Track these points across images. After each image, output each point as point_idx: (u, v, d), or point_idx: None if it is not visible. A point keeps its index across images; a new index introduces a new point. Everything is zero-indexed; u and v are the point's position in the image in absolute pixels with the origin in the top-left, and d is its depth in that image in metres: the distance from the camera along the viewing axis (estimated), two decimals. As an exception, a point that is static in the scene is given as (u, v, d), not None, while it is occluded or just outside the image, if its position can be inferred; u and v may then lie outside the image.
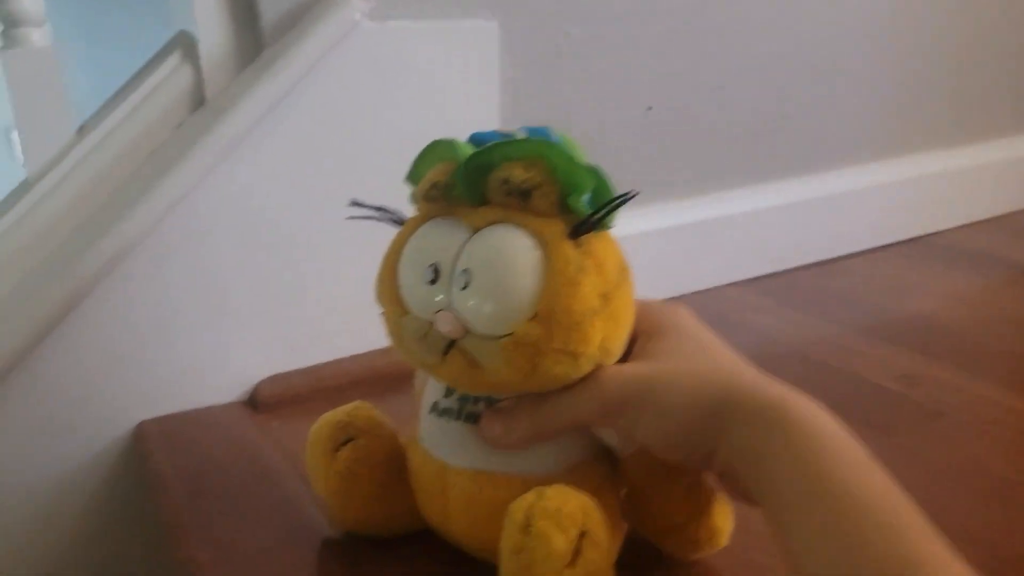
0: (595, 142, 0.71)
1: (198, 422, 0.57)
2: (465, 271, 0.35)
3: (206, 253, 0.56)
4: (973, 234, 1.00)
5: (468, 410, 0.38)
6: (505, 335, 0.34)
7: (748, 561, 0.40)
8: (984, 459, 0.51)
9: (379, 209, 0.39)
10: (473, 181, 0.36)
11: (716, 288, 0.81)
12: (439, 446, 0.39)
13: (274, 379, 0.60)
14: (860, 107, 0.93)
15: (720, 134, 0.82)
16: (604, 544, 0.34)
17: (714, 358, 0.37)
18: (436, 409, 0.39)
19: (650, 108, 0.76)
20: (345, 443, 0.41)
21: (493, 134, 0.37)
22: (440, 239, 0.36)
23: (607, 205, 0.35)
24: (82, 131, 0.57)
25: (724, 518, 0.40)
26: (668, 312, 0.40)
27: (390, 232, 0.40)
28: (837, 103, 0.90)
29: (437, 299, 0.36)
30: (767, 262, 0.86)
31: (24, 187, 0.56)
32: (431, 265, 0.36)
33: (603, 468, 0.39)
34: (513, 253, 0.35)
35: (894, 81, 0.95)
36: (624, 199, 0.34)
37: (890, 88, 0.94)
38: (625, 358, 0.38)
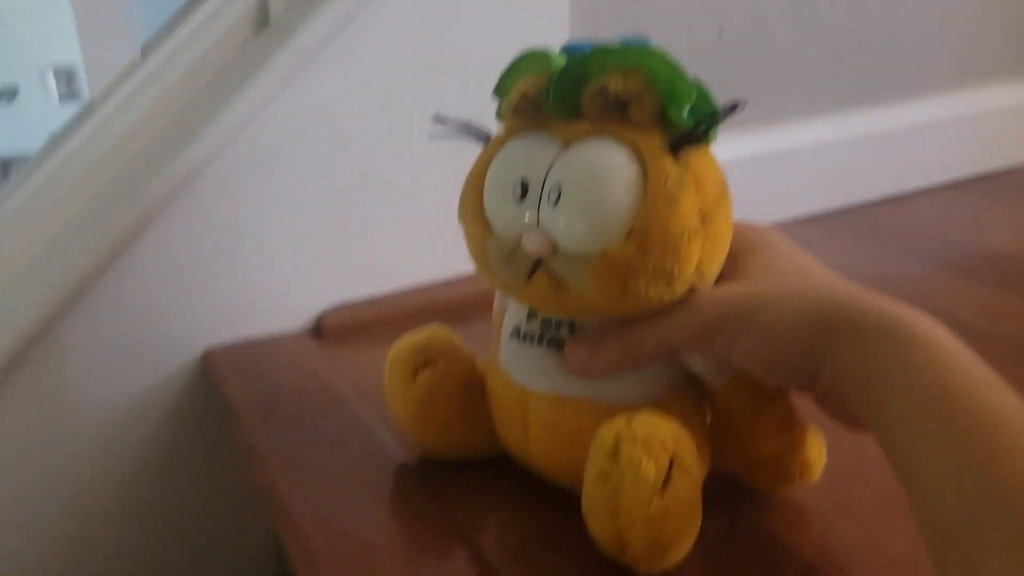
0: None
1: (265, 350, 0.57)
2: (556, 186, 0.33)
3: (272, 179, 0.55)
4: (1051, 170, 0.96)
5: (551, 335, 0.37)
6: (596, 254, 0.32)
7: (838, 495, 0.39)
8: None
9: (463, 125, 0.37)
10: (567, 92, 0.34)
11: (787, 222, 0.79)
12: (520, 371, 0.38)
13: (339, 309, 0.60)
14: (941, 33, 0.88)
15: (793, 62, 0.78)
16: (694, 473, 0.33)
17: (815, 274, 0.35)
18: (518, 334, 0.38)
19: (722, 33, 0.72)
20: (424, 366, 0.40)
21: (587, 45, 0.35)
22: (529, 154, 0.35)
23: (711, 117, 0.32)
24: (144, 52, 0.56)
25: (817, 452, 0.38)
26: (760, 232, 0.38)
27: (465, 154, 0.38)
28: (917, 28, 0.86)
29: (525, 217, 0.34)
30: (840, 195, 0.83)
31: (87, 110, 0.55)
32: (519, 180, 0.34)
33: (689, 399, 0.38)
34: (608, 167, 0.33)
35: (978, 6, 0.89)
36: (730, 111, 0.32)
37: (973, 14, 0.89)
38: (717, 280, 0.36)
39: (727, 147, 0.74)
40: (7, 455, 0.53)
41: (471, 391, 0.41)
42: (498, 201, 0.35)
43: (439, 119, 0.37)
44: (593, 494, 0.33)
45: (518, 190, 0.34)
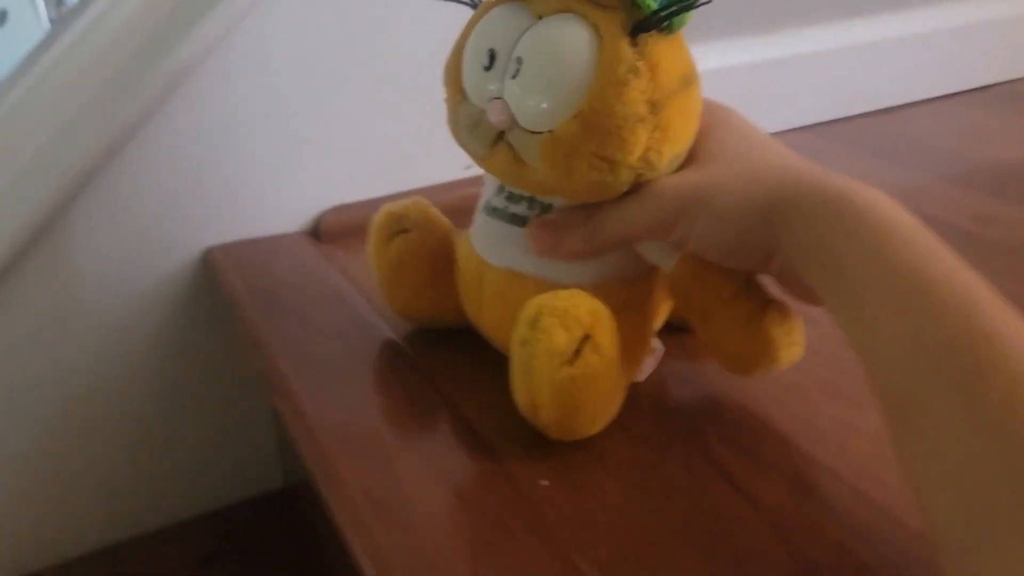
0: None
1: (265, 248, 0.58)
2: (518, 59, 0.33)
3: (269, 77, 0.55)
4: (1053, 83, 0.96)
5: (512, 211, 0.39)
6: (546, 131, 0.33)
7: (821, 375, 0.41)
8: (1061, 292, 0.50)
9: None
10: None
11: (783, 132, 0.79)
12: (482, 243, 0.40)
13: (337, 210, 0.61)
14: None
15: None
16: (607, 351, 0.34)
17: (769, 154, 0.36)
18: (487, 207, 0.40)
19: (722, -65, 0.71)
20: (397, 233, 0.43)
21: None
22: (502, 24, 0.35)
23: (677, 4, 0.32)
24: (136, -53, 0.55)
25: (788, 342, 0.38)
26: (717, 111, 0.38)
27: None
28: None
29: (490, 86, 0.35)
30: (836, 106, 0.83)
31: (81, 7, 0.55)
32: (489, 50, 0.34)
33: (636, 289, 0.39)
34: (563, 45, 0.33)
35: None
36: (693, 2, 0.32)
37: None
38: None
39: (727, 54, 0.74)
40: (14, 352, 0.54)
41: (440, 261, 0.43)
42: (470, 68, 0.36)
43: None
44: (515, 358, 0.35)
45: (486, 60, 0.34)
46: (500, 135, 0.35)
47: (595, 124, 0.32)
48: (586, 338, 0.33)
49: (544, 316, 0.33)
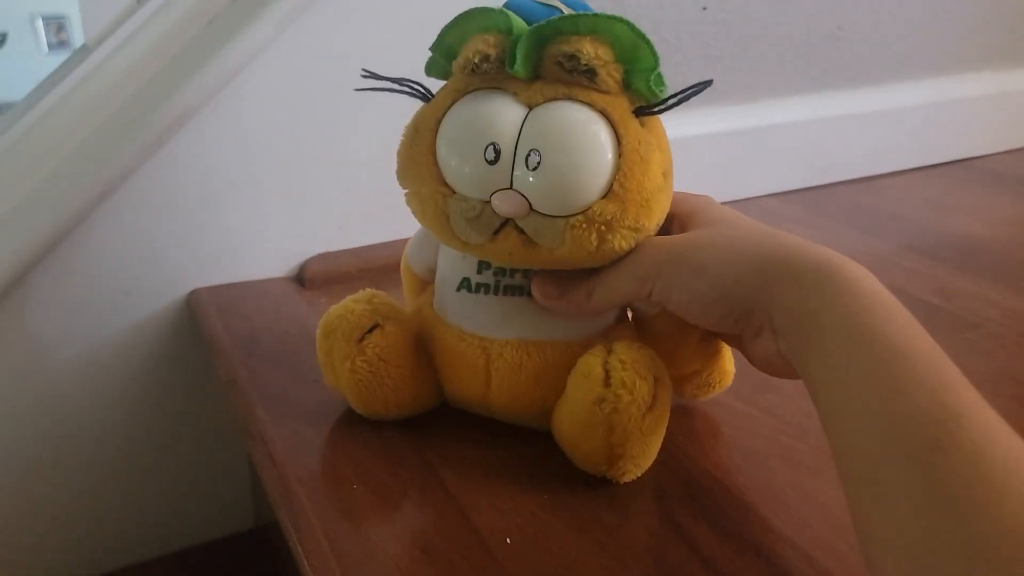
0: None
1: (249, 292, 0.59)
2: (535, 152, 0.34)
3: (262, 127, 0.57)
4: (1019, 160, 0.99)
5: (505, 283, 0.39)
6: (573, 214, 0.35)
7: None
8: (1018, 369, 0.52)
9: (398, 81, 0.37)
10: (532, 54, 0.35)
11: (757, 197, 0.81)
12: (476, 322, 0.39)
13: (323, 257, 0.62)
14: (915, 23, 0.90)
15: (773, 41, 0.80)
16: (670, 385, 0.37)
17: (752, 225, 0.38)
18: (468, 286, 0.39)
19: (705, 8, 0.74)
20: (371, 331, 0.40)
21: (533, 4, 0.36)
22: (495, 115, 0.35)
23: (682, 94, 0.35)
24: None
25: (730, 362, 0.44)
26: (699, 197, 0.40)
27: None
28: (893, 18, 0.88)
29: (498, 179, 0.35)
30: (810, 175, 0.86)
31: (83, 52, 0.56)
32: (491, 144, 0.34)
33: (632, 328, 0.42)
34: (586, 131, 0.34)
35: (953, -2, 0.92)
36: (701, 88, 0.34)
37: (949, 6, 0.92)
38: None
39: (708, 121, 0.77)
40: (-5, 385, 0.55)
41: (419, 349, 0.41)
42: (463, 163, 0.35)
43: (369, 74, 0.37)
44: (587, 418, 0.36)
45: (491, 154, 0.34)
46: (503, 222, 0.35)
47: (630, 200, 0.35)
48: (656, 380, 0.36)
49: (616, 372, 0.35)
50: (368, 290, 0.42)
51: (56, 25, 3.21)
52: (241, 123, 0.56)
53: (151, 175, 0.54)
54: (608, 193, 0.35)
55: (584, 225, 0.35)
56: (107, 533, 0.62)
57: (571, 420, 0.37)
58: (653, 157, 0.35)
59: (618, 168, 0.35)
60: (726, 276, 0.35)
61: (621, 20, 0.34)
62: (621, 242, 0.35)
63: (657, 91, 0.35)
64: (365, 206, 0.63)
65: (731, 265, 0.35)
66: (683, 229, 0.38)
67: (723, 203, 0.40)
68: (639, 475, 0.38)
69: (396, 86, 0.38)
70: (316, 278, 0.61)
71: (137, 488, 0.62)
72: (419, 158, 0.37)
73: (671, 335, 0.41)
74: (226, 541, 0.67)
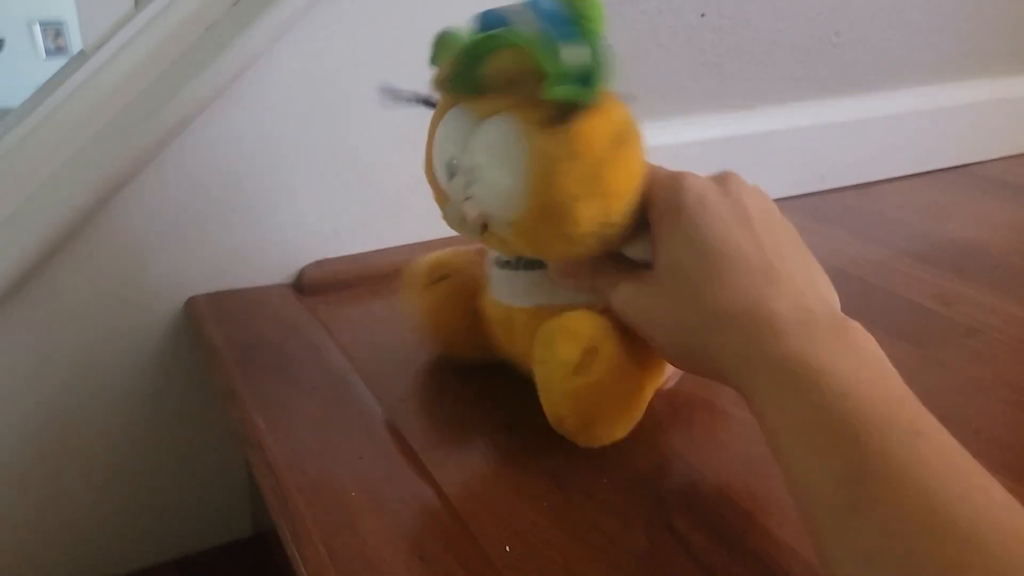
0: (646, 46, 0.70)
1: (247, 300, 0.59)
2: (472, 168, 0.37)
3: (259, 133, 0.57)
4: (1018, 166, 0.99)
5: (526, 261, 0.43)
6: (514, 222, 0.37)
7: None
8: (1016, 375, 0.52)
9: (413, 95, 0.40)
10: (469, 73, 0.36)
11: (755, 203, 0.81)
12: (505, 292, 0.44)
13: (320, 264, 0.62)
14: (912, 30, 0.90)
15: (772, 47, 0.80)
16: (614, 360, 0.38)
17: (709, 279, 0.36)
18: (499, 262, 0.44)
19: (703, 15, 0.74)
20: (438, 281, 0.47)
21: (496, 15, 0.36)
22: (453, 133, 0.38)
23: (584, 94, 0.34)
24: (139, 3, 0.57)
25: None
26: (677, 193, 0.38)
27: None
28: (890, 24, 0.88)
29: (460, 191, 0.38)
30: (808, 181, 0.86)
31: (80, 59, 0.56)
32: (447, 163, 0.38)
33: None
34: (501, 149, 0.36)
35: (951, 5, 0.92)
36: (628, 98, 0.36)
37: (946, 12, 0.92)
38: (644, 226, 0.39)
39: (705, 128, 0.77)
40: (-7, 393, 0.54)
41: (474, 304, 0.46)
42: (439, 177, 0.40)
43: (387, 90, 0.39)
44: (537, 376, 0.40)
45: (450, 170, 0.38)
46: (485, 224, 0.38)
47: (546, 211, 0.36)
48: (593, 350, 0.38)
49: (554, 334, 0.39)
50: (453, 248, 0.49)
51: (54, 31, 3.21)
52: (239, 130, 0.56)
53: (148, 182, 0.54)
54: (529, 206, 0.36)
55: (520, 233, 0.37)
56: (105, 540, 0.62)
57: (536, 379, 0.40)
58: (560, 168, 0.35)
59: (531, 182, 0.35)
60: (680, 350, 0.37)
61: (518, 34, 0.34)
62: (557, 246, 0.38)
63: (567, 92, 0.33)
64: (362, 213, 0.63)
65: (675, 327, 0.37)
66: (658, 235, 0.37)
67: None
68: (596, 443, 0.40)
69: (414, 101, 0.41)
70: (314, 285, 0.61)
71: (135, 495, 0.62)
72: (427, 169, 0.41)
73: None
74: (224, 548, 0.67)
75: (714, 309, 0.35)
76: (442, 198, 0.41)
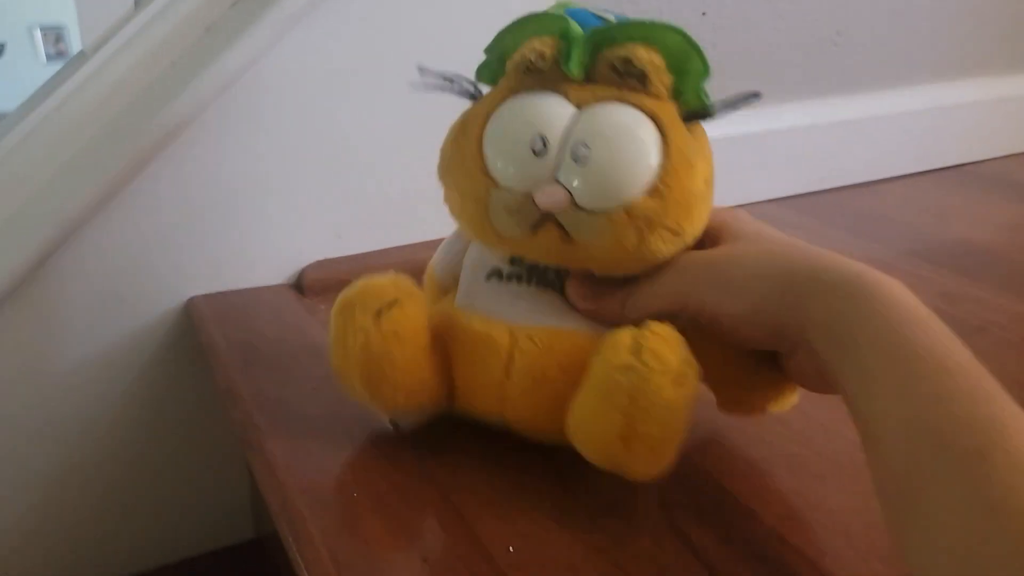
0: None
1: (247, 300, 0.58)
2: (584, 145, 0.35)
3: (260, 134, 0.57)
4: (1019, 165, 0.99)
5: (539, 276, 0.39)
6: (618, 209, 0.35)
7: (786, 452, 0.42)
8: (1022, 373, 0.52)
9: (450, 77, 0.39)
10: (586, 56, 0.36)
11: (757, 203, 0.81)
12: (506, 309, 0.39)
13: (320, 264, 0.62)
14: (916, 29, 0.90)
15: (773, 46, 0.80)
16: (699, 372, 0.35)
17: (785, 240, 0.38)
18: (499, 275, 0.40)
19: (704, 13, 0.74)
20: (390, 306, 0.38)
21: (584, 12, 0.37)
22: (546, 111, 0.36)
23: (735, 102, 0.36)
24: (139, 3, 0.57)
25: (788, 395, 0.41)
26: (729, 211, 0.41)
27: (448, 117, 0.39)
28: (892, 24, 0.88)
29: (543, 171, 0.35)
30: (810, 181, 0.85)
31: (80, 59, 0.56)
32: (538, 136, 0.35)
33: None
34: (635, 130, 0.35)
35: (952, 4, 0.92)
36: (750, 98, 0.35)
37: (947, 11, 0.92)
38: None
39: (708, 127, 0.76)
40: (-5, 395, 0.54)
41: (435, 342, 0.39)
42: (510, 155, 0.36)
43: (422, 70, 0.38)
44: (609, 387, 0.34)
45: (539, 145, 0.35)
46: (542, 217, 0.36)
47: (673, 199, 0.35)
48: (685, 359, 0.34)
49: (647, 341, 0.33)
50: (391, 272, 0.40)
51: (54, 35, 3.22)
52: (239, 130, 0.56)
53: (148, 183, 0.54)
54: (651, 192, 0.35)
55: (624, 221, 0.35)
56: (106, 543, 0.61)
57: (589, 395, 0.35)
58: (698, 163, 0.36)
59: (663, 169, 0.35)
60: (756, 293, 0.35)
61: (675, 29, 0.35)
62: (660, 244, 0.36)
63: (704, 99, 0.36)
64: (363, 213, 0.63)
65: (761, 281, 0.35)
66: (714, 243, 0.38)
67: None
68: (651, 473, 0.35)
69: (449, 85, 0.39)
70: (314, 285, 0.60)
71: (136, 498, 0.61)
72: (465, 150, 0.37)
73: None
74: (227, 551, 0.66)
75: (810, 266, 0.34)
76: (485, 183, 0.36)
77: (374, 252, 0.64)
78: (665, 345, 0.34)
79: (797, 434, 0.43)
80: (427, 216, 0.63)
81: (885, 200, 0.86)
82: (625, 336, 0.34)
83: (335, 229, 0.62)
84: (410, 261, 0.63)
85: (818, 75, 0.85)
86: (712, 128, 0.80)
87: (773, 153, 0.81)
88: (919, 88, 0.93)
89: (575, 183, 0.35)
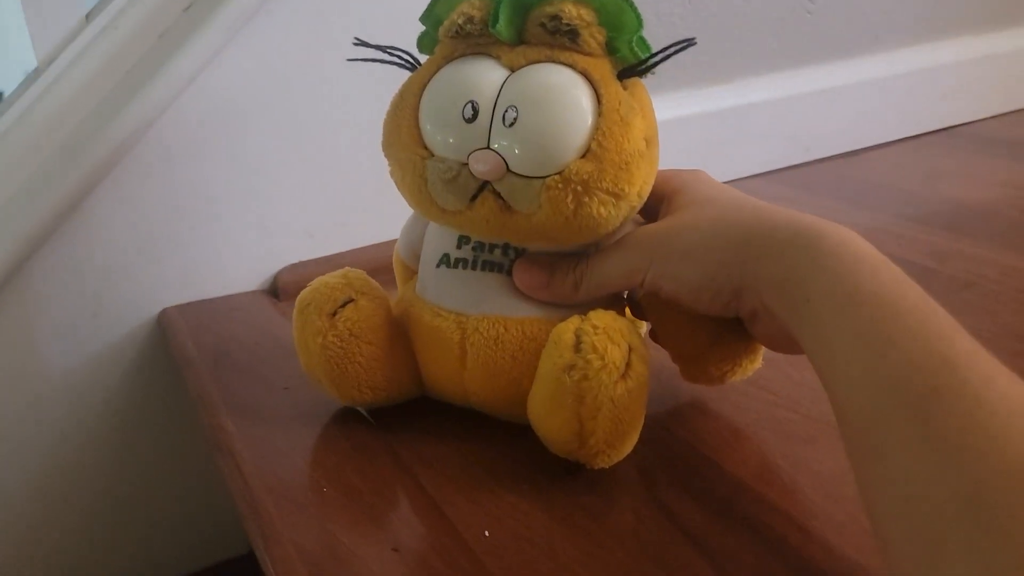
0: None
1: (221, 308, 0.57)
2: (512, 108, 0.33)
3: (221, 140, 0.56)
4: (1010, 124, 0.97)
5: (484, 259, 0.38)
6: (549, 175, 0.33)
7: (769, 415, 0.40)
8: (1015, 324, 0.50)
9: (386, 49, 0.37)
10: (515, 17, 0.34)
11: (741, 179, 0.80)
12: (453, 298, 0.38)
13: (294, 267, 0.61)
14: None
15: (744, 19, 0.79)
16: (647, 358, 0.34)
17: (739, 199, 0.37)
18: (447, 261, 0.38)
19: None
20: (344, 305, 0.39)
21: None
22: (476, 76, 0.35)
23: (663, 52, 0.34)
24: (90, 16, 0.56)
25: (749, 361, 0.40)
26: (688, 173, 0.39)
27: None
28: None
29: (475, 138, 0.34)
30: (795, 152, 0.84)
31: (34, 74, 0.55)
32: (469, 102, 0.34)
33: (618, 304, 0.40)
34: (565, 90, 0.34)
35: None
36: (683, 46, 0.34)
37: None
38: (648, 220, 0.38)
39: (688, 103, 0.75)
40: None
41: (393, 328, 0.40)
42: (442, 123, 0.35)
43: (360, 42, 0.37)
44: (556, 388, 0.33)
45: (469, 111, 0.34)
46: (480, 187, 0.35)
47: (608, 160, 0.33)
48: (629, 349, 0.33)
49: (588, 336, 0.33)
50: (344, 268, 0.41)
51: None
52: (202, 135, 0.55)
53: (110, 194, 0.53)
54: (586, 153, 0.33)
55: (560, 186, 0.33)
56: (94, 563, 0.60)
57: (541, 393, 0.35)
58: (634, 120, 0.34)
59: (597, 128, 0.33)
60: (710, 260, 0.34)
61: None
62: (599, 207, 0.34)
63: (640, 54, 0.34)
64: (335, 213, 0.62)
65: (714, 247, 0.34)
66: (669, 209, 0.37)
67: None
68: (614, 461, 0.35)
69: (386, 55, 0.37)
70: (289, 288, 0.59)
71: (122, 518, 0.60)
72: (402, 123, 0.36)
73: (680, 313, 0.38)
74: (219, 568, 0.65)
75: (762, 226, 0.33)
76: (420, 153, 0.35)
77: (349, 251, 0.63)
78: (607, 339, 0.33)
79: (784, 398, 0.42)
80: (400, 213, 0.62)
81: (872, 167, 0.85)
82: (567, 333, 0.34)
83: (307, 231, 0.61)
84: (385, 258, 0.63)
85: (791, 46, 0.83)
86: (690, 105, 0.79)
87: (752, 127, 0.80)
88: (898, 52, 0.91)
89: (508, 148, 0.34)
